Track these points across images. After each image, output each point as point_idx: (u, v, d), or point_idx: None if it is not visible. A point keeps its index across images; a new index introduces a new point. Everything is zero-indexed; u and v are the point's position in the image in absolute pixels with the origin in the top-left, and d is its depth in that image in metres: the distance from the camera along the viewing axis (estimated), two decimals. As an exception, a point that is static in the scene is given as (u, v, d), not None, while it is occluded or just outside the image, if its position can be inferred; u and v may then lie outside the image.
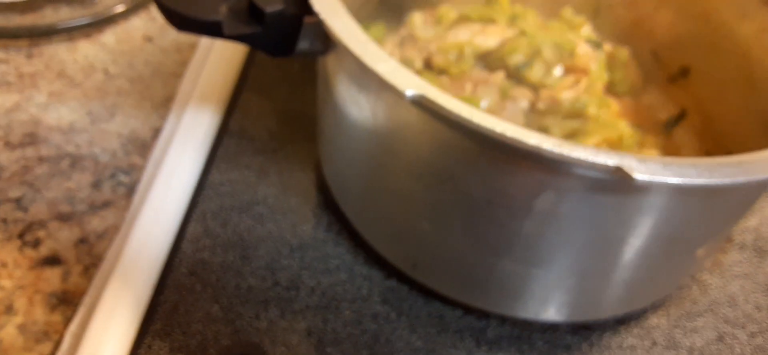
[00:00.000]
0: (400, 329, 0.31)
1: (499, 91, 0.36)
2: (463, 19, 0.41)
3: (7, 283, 0.31)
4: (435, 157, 0.26)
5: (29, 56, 0.43)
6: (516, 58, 0.37)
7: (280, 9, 0.27)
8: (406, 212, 0.30)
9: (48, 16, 0.45)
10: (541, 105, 0.36)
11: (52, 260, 0.32)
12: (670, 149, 0.37)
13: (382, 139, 0.28)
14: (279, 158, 0.37)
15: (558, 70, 0.38)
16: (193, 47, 0.44)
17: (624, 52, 0.40)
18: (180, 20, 0.28)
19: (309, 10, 0.26)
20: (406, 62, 0.37)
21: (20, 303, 0.31)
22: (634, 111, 0.38)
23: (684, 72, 0.39)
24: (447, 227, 0.28)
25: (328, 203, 0.35)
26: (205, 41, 0.44)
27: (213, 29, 0.28)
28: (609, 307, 0.31)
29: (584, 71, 0.38)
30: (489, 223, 0.27)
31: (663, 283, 0.32)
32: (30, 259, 0.32)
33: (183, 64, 0.43)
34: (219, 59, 0.41)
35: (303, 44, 0.28)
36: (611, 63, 0.39)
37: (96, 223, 0.34)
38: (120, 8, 0.46)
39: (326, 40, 0.27)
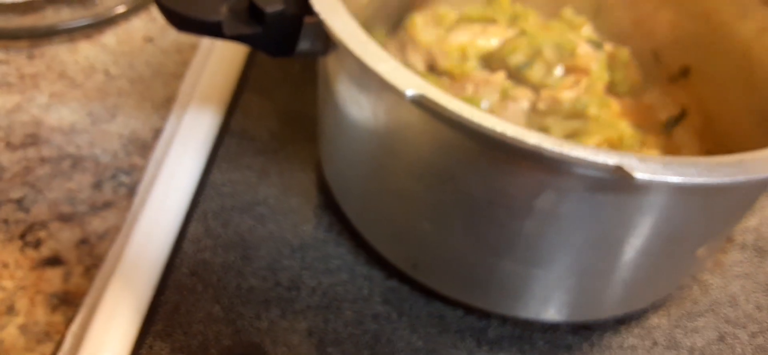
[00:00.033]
0: (401, 329, 0.31)
1: (501, 92, 0.36)
2: (464, 20, 0.41)
3: (8, 283, 0.31)
4: (436, 157, 0.26)
5: (30, 57, 0.43)
6: (516, 58, 0.37)
7: (281, 9, 0.27)
8: (406, 213, 0.30)
9: (49, 17, 0.45)
10: (541, 105, 0.36)
11: (54, 261, 0.32)
12: (670, 149, 0.37)
13: (382, 139, 0.28)
14: (280, 159, 0.37)
15: (559, 70, 0.38)
16: (193, 48, 0.44)
17: (624, 52, 0.40)
18: (180, 21, 0.28)
19: (309, 11, 0.26)
20: (409, 66, 0.37)
21: (21, 304, 0.31)
22: (634, 111, 0.38)
23: (684, 72, 0.39)
24: (448, 227, 0.28)
25: (329, 204, 0.35)
26: (205, 42, 0.44)
27: (213, 30, 0.28)
28: (610, 307, 0.31)
29: (585, 71, 0.38)
30: (489, 223, 0.27)
31: (664, 283, 0.32)
32: (31, 259, 0.32)
33: (184, 64, 0.43)
34: (220, 60, 0.41)
35: (303, 44, 0.28)
36: (612, 63, 0.39)
37: (97, 223, 0.34)
38: (120, 9, 0.46)
39: (327, 41, 0.27)
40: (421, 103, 0.23)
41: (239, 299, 0.31)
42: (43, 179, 0.36)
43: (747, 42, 0.35)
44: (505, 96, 0.36)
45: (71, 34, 0.44)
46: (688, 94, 0.39)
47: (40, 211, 0.34)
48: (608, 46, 0.40)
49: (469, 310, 0.32)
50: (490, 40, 0.39)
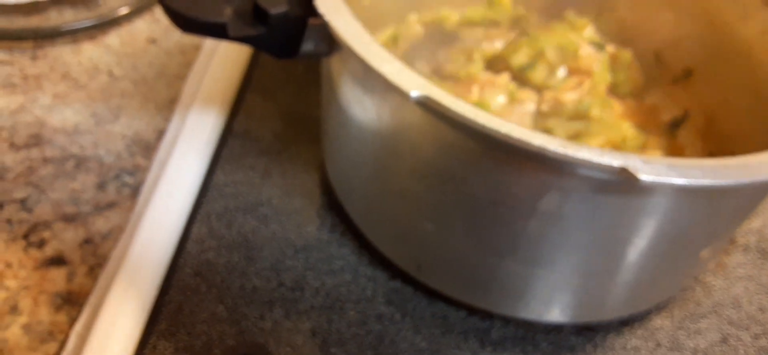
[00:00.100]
0: (404, 329, 0.31)
1: (508, 94, 0.36)
2: (466, 22, 0.41)
3: (12, 283, 0.31)
4: (440, 158, 0.26)
5: (34, 58, 0.43)
6: (519, 59, 0.37)
7: (285, 10, 0.27)
8: (410, 213, 0.30)
9: (52, 18, 0.45)
10: (544, 106, 0.36)
11: (57, 261, 0.32)
12: (673, 150, 0.37)
13: (386, 140, 0.28)
14: (283, 159, 0.37)
15: (561, 72, 0.38)
16: (197, 49, 0.44)
17: (627, 54, 0.40)
18: (185, 22, 0.28)
19: (313, 12, 0.26)
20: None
21: (25, 303, 0.31)
22: (637, 112, 0.38)
23: (687, 73, 0.39)
24: (451, 228, 0.28)
25: (333, 204, 0.35)
26: (209, 43, 0.44)
27: (217, 31, 0.28)
28: (613, 308, 0.31)
29: (587, 73, 0.38)
30: (493, 224, 0.27)
31: (667, 284, 0.32)
32: (35, 259, 0.32)
33: (187, 65, 0.43)
34: (223, 61, 0.42)
35: (307, 46, 0.28)
36: (614, 64, 0.39)
37: (101, 223, 0.34)
38: (124, 10, 0.46)
39: (331, 42, 0.27)
40: (425, 104, 0.23)
41: (243, 299, 0.31)
42: (46, 179, 0.36)
43: (749, 43, 0.35)
44: (512, 98, 0.36)
45: (75, 35, 0.44)
46: (690, 96, 0.39)
47: (43, 211, 0.34)
48: (610, 48, 0.40)
49: (472, 311, 0.32)
50: (495, 42, 0.39)
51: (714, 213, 0.27)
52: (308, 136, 0.38)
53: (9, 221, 0.34)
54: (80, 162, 0.37)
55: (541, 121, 0.36)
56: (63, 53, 0.43)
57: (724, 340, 0.32)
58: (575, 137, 0.34)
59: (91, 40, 0.45)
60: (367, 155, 0.30)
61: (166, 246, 0.32)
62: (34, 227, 0.34)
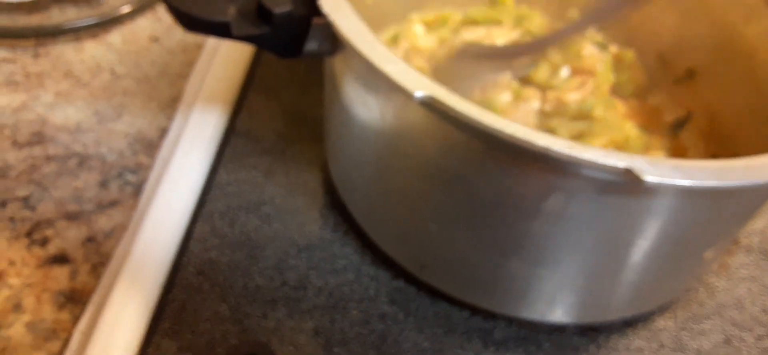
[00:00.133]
0: (407, 329, 0.31)
1: (512, 93, 0.36)
2: (468, 22, 0.41)
3: (15, 281, 0.31)
4: (443, 158, 0.26)
5: (36, 56, 0.43)
6: (522, 59, 0.37)
7: (289, 10, 0.27)
8: (413, 213, 0.30)
9: (54, 16, 0.45)
10: (547, 106, 0.36)
11: (60, 259, 0.32)
12: (676, 151, 0.37)
13: (389, 140, 0.28)
14: (286, 159, 0.37)
15: (564, 72, 0.38)
16: (199, 47, 0.44)
17: (630, 54, 0.40)
18: (188, 21, 0.28)
19: (317, 11, 0.26)
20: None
21: (28, 301, 0.31)
22: (640, 113, 0.38)
23: (690, 74, 0.39)
24: (455, 228, 0.28)
25: (335, 204, 0.35)
26: (211, 42, 0.44)
27: (221, 30, 0.28)
28: (616, 309, 0.31)
29: (590, 73, 0.38)
30: (497, 224, 0.27)
31: (670, 285, 0.32)
32: (38, 257, 0.32)
33: (189, 64, 0.43)
34: (225, 60, 0.41)
35: (311, 45, 0.28)
36: (617, 65, 0.39)
37: (103, 222, 0.34)
38: (126, 9, 0.46)
39: (334, 41, 0.27)
40: (429, 104, 0.23)
41: (246, 298, 0.31)
42: (49, 177, 0.36)
43: (752, 44, 0.35)
44: (517, 97, 0.36)
45: (77, 33, 0.44)
46: (693, 96, 0.39)
47: (46, 209, 0.34)
48: (613, 48, 0.40)
49: (475, 311, 0.32)
50: (497, 42, 0.39)
51: (718, 214, 0.27)
52: (311, 135, 0.38)
53: (12, 219, 0.34)
54: (83, 160, 0.37)
55: (543, 121, 0.36)
56: (65, 51, 0.43)
57: (727, 341, 0.32)
58: (578, 137, 0.34)
59: (94, 38, 0.45)
60: (370, 155, 0.30)
61: (169, 245, 0.32)
62: (37, 225, 0.34)
